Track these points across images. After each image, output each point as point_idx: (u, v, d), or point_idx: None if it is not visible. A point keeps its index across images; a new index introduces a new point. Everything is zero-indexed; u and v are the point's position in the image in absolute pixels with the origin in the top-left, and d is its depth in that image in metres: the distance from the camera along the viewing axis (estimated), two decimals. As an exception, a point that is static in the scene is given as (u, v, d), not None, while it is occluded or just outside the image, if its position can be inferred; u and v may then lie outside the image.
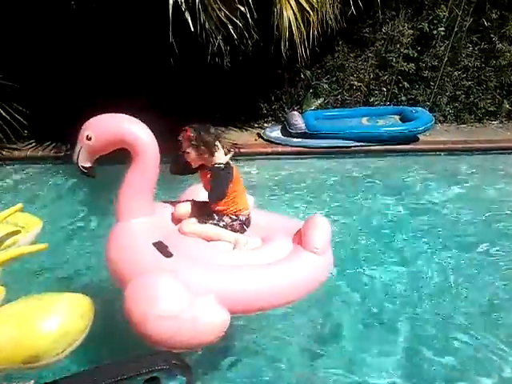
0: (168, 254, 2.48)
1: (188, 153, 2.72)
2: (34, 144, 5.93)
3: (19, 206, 2.89)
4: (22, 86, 5.51)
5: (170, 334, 2.20)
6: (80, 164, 2.51)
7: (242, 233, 2.88)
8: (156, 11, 4.81)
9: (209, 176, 2.75)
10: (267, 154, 6.31)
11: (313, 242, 2.68)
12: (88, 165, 2.53)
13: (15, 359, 2.06)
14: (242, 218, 2.89)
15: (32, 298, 2.38)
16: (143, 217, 2.61)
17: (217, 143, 2.73)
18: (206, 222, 2.81)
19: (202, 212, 2.88)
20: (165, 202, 3.00)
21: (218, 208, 2.84)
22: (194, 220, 2.81)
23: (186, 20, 4.69)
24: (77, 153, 2.50)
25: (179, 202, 2.98)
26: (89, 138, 2.43)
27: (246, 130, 7.15)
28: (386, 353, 2.82)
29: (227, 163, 2.80)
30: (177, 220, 2.87)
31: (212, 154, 2.73)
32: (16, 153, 5.75)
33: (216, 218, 2.84)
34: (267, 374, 2.64)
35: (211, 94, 6.58)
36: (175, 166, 2.92)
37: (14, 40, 5.70)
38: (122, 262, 2.48)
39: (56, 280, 3.36)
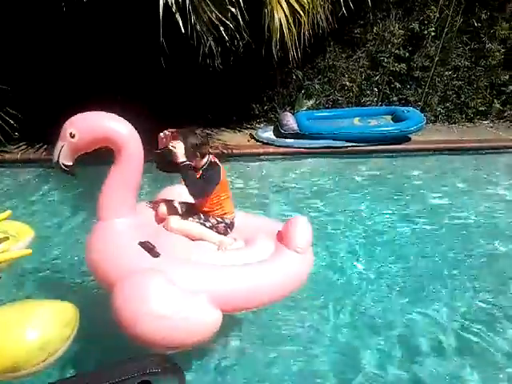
0: (155, 254, 2.47)
1: (173, 150, 2.72)
2: (24, 147, 5.89)
3: (7, 213, 2.80)
4: (13, 88, 5.49)
5: (163, 333, 2.20)
6: (61, 162, 2.46)
7: (225, 235, 2.93)
8: (146, 13, 4.79)
9: (198, 176, 2.78)
10: (259, 154, 6.31)
11: (295, 242, 2.76)
12: (69, 163, 2.49)
13: None
14: (227, 221, 2.95)
15: (13, 305, 2.32)
16: (126, 216, 2.58)
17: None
18: (193, 220, 2.85)
19: (188, 211, 2.92)
20: (146, 202, 3.03)
21: (205, 209, 2.89)
22: (178, 218, 2.84)
23: (177, 22, 4.67)
24: (58, 151, 2.45)
25: (160, 201, 3.00)
26: (72, 136, 2.39)
27: (239, 131, 7.16)
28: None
29: (217, 164, 2.84)
30: (160, 219, 2.89)
31: (201, 156, 2.80)
32: (7, 156, 5.71)
33: (203, 218, 2.89)
34: (259, 375, 2.65)
35: (203, 95, 6.59)
36: (159, 162, 2.95)
37: (4, 43, 5.66)
38: (107, 263, 2.45)
39: (43, 286, 3.28)
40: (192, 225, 2.83)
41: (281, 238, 2.90)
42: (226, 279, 2.50)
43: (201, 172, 2.83)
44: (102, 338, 2.59)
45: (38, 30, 5.60)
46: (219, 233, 2.90)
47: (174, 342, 2.25)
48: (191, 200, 2.89)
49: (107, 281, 2.41)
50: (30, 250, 2.65)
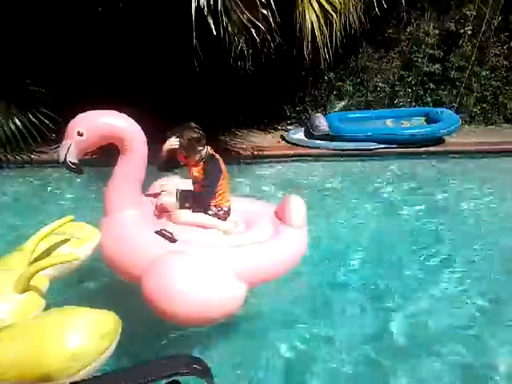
0: (173, 240, 2.61)
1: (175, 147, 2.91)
2: (61, 147, 6.03)
3: (69, 217, 2.79)
4: (49, 90, 5.65)
5: (196, 308, 2.35)
6: (69, 160, 2.51)
7: (225, 221, 3.13)
8: (179, 16, 4.85)
9: (200, 167, 2.98)
10: (290, 156, 6.29)
11: (292, 219, 3.00)
12: (76, 161, 2.55)
13: (26, 376, 1.94)
14: (225, 208, 3.15)
15: (51, 312, 2.24)
16: (133, 208, 2.69)
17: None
18: (196, 211, 3.00)
19: (188, 202, 3.06)
20: (144, 194, 3.10)
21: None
22: (186, 211, 2.97)
23: (209, 24, 4.71)
24: (65, 149, 2.50)
25: (158, 194, 3.12)
26: (80, 134, 2.46)
27: (270, 132, 7.17)
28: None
29: (215, 157, 3.02)
30: (160, 211, 3.02)
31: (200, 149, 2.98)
32: (44, 156, 5.86)
33: (203, 208, 3.05)
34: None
35: (234, 97, 6.62)
36: (162, 164, 3.09)
37: (40, 46, 5.83)
38: (129, 254, 2.56)
39: (96, 293, 3.11)
40: (199, 216, 2.98)
41: (278, 216, 3.13)
42: (243, 256, 2.68)
43: (202, 164, 2.99)
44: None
45: (74, 33, 5.75)
46: (220, 219, 3.09)
47: (206, 315, 2.41)
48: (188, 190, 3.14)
49: (132, 272, 2.51)
50: (76, 256, 2.65)
